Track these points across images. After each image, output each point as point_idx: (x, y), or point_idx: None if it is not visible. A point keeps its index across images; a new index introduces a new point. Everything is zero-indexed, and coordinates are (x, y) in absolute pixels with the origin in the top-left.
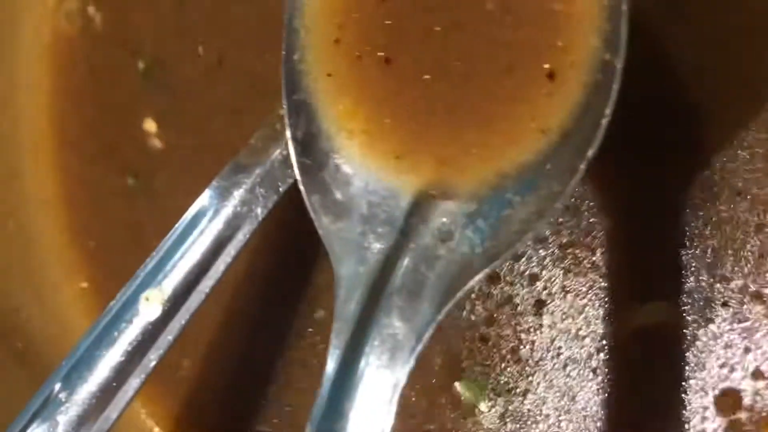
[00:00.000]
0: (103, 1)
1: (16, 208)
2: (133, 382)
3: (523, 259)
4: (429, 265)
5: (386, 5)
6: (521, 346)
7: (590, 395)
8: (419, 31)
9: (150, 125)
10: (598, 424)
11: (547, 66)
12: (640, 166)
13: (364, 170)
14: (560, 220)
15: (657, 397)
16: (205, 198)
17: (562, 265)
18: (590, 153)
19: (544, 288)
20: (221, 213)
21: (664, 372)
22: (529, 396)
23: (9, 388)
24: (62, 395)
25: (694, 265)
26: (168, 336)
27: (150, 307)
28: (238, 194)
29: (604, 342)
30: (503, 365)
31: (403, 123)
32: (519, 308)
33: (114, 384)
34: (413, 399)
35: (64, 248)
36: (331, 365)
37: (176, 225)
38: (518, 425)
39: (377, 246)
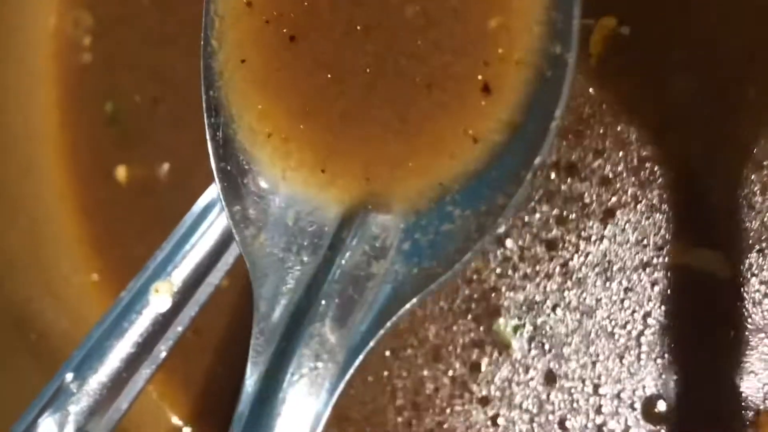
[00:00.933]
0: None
1: (28, 202)
2: (144, 373)
3: (600, 159)
4: (359, 286)
5: None
6: (576, 256)
7: (605, 315)
8: (336, 22)
9: (121, 172)
10: (605, 342)
11: (480, 78)
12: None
13: (288, 180)
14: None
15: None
16: (213, 189)
17: (638, 177)
18: (537, 161)
19: (615, 194)
20: None
21: (690, 318)
22: (557, 311)
23: (21, 378)
24: (73, 386)
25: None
26: (178, 327)
27: (160, 298)
28: None
29: (649, 266)
30: (548, 280)
31: (321, 130)
32: (588, 210)
33: (124, 374)
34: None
35: (76, 241)
36: (244, 400)
37: (185, 217)
38: (540, 350)
39: (303, 262)
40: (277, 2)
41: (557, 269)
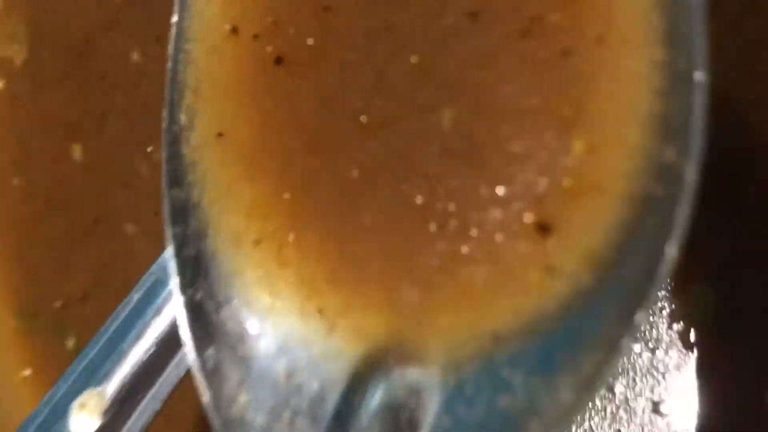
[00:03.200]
0: None
1: None
2: None
3: None
4: None
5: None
6: None
7: None
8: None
9: None
10: None
11: (531, 221)
12: None
13: (280, 313)
14: None
15: None
16: (164, 265)
17: None
18: (638, 317)
19: None
20: None
21: None
22: None
23: None
24: None
25: None
26: None
27: (84, 419)
28: None
29: None
30: None
31: (333, 240)
32: None
33: None
34: None
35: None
36: None
37: (124, 301)
38: None
39: None
40: (277, 37)
41: None
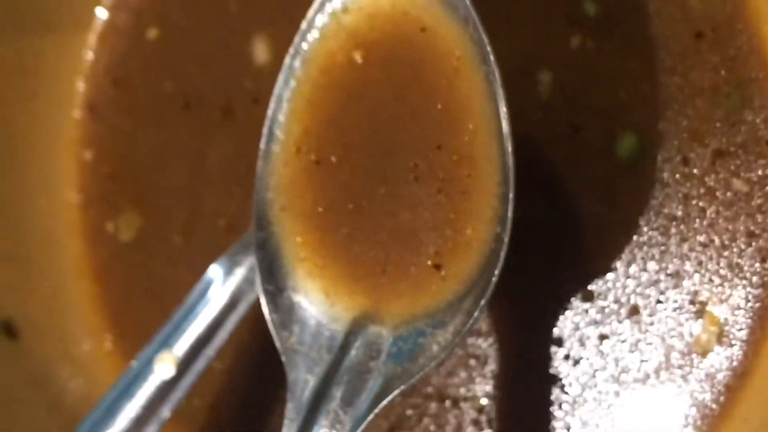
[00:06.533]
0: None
1: (49, 273)
2: (150, 431)
3: None
4: (361, 377)
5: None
6: None
7: None
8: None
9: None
10: None
11: (429, 263)
12: None
13: (312, 299)
14: None
15: None
16: (213, 271)
17: None
18: (483, 302)
19: None
20: (227, 285)
21: None
22: None
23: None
24: None
25: None
26: (179, 393)
27: (164, 367)
28: (240, 271)
29: None
30: None
31: (339, 264)
32: None
33: None
34: None
35: (93, 313)
36: None
37: (187, 296)
38: None
39: (322, 359)
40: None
41: None
